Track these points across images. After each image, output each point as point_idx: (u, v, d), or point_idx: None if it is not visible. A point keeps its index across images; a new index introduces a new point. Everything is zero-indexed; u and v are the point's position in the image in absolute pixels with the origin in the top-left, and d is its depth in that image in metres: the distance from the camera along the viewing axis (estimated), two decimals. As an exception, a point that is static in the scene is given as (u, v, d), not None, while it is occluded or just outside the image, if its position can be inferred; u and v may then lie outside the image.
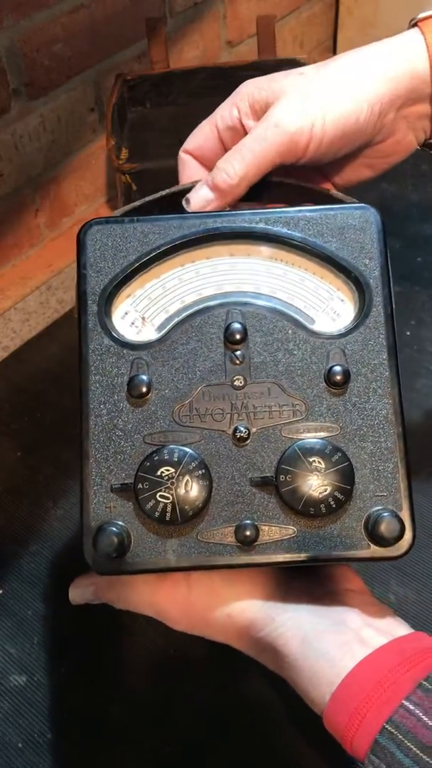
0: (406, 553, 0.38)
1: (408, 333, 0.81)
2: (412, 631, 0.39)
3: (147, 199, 0.45)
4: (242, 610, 0.39)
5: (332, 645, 0.37)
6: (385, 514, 0.37)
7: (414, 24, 0.44)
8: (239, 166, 0.42)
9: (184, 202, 0.44)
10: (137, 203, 0.45)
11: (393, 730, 0.33)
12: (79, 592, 0.44)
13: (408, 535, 0.38)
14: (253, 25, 1.01)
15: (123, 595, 0.42)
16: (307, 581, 0.41)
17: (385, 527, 0.37)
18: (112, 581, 0.43)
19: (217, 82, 0.89)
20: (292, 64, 0.90)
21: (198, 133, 0.47)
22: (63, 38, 0.79)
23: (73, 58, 0.81)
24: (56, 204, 0.87)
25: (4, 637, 0.59)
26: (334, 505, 0.37)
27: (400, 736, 0.33)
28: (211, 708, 0.55)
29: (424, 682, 0.34)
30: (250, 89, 0.44)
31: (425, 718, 0.33)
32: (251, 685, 0.55)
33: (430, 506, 0.65)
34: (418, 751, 0.33)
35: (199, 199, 0.43)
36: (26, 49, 0.75)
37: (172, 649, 0.58)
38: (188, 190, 0.45)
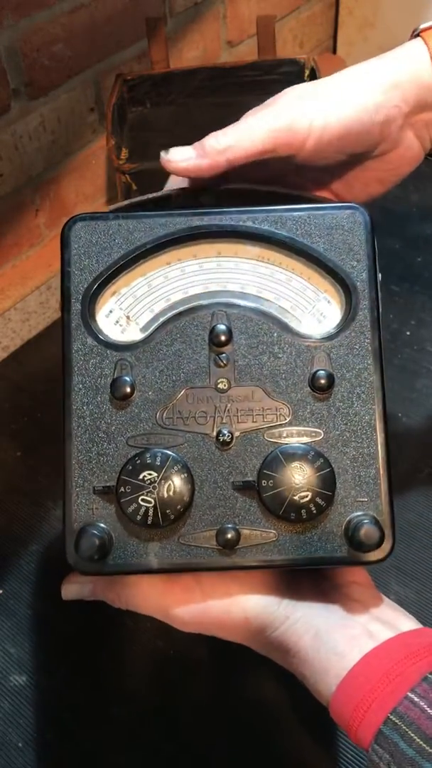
0: (386, 558, 0.38)
1: (408, 333, 0.81)
2: (417, 624, 0.39)
3: (133, 200, 0.44)
4: (259, 613, 0.39)
5: (342, 639, 0.38)
6: (366, 520, 0.37)
7: (417, 34, 0.43)
8: (231, 134, 0.41)
9: (162, 152, 0.42)
10: (124, 203, 0.44)
11: (397, 721, 0.34)
12: (75, 588, 0.44)
13: (387, 541, 0.38)
14: (253, 25, 1.01)
15: (125, 596, 0.42)
16: (314, 576, 0.42)
17: (365, 534, 0.37)
18: (113, 580, 0.43)
19: (217, 82, 0.89)
20: (292, 64, 0.90)
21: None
22: (63, 38, 0.79)
23: (73, 58, 0.81)
24: (56, 204, 0.87)
25: (4, 637, 0.59)
26: (314, 511, 0.38)
27: (404, 727, 0.33)
28: (211, 708, 0.55)
29: (430, 675, 0.35)
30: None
31: (429, 710, 0.34)
32: (251, 685, 0.55)
33: (430, 506, 0.65)
34: (421, 742, 0.33)
35: (180, 152, 0.42)
36: (26, 49, 0.75)
37: (172, 650, 0.58)
38: (170, 195, 0.44)
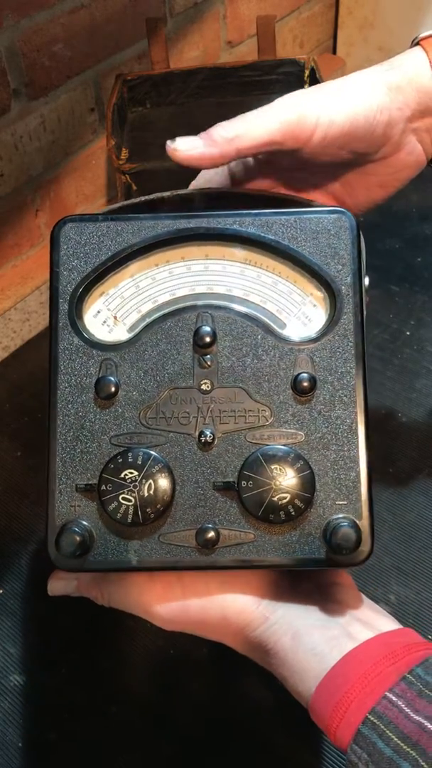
0: (364, 561, 0.39)
1: (408, 333, 0.81)
2: (398, 625, 0.39)
3: (129, 202, 0.44)
4: (238, 613, 0.40)
5: (321, 640, 0.38)
6: (344, 523, 0.38)
7: (416, 42, 0.45)
8: (240, 124, 0.41)
9: (169, 141, 0.41)
10: (116, 206, 0.45)
11: (375, 721, 0.34)
12: (61, 584, 0.44)
13: (365, 544, 0.38)
14: (253, 25, 1.02)
15: (107, 593, 0.42)
16: (295, 576, 0.42)
17: (342, 536, 0.37)
18: (96, 578, 0.43)
19: (217, 82, 0.89)
20: (292, 64, 0.90)
21: (207, 171, 0.46)
22: (63, 38, 0.79)
23: (73, 58, 0.81)
24: (56, 204, 0.87)
25: (4, 637, 0.59)
26: (293, 513, 0.38)
27: (382, 727, 0.34)
28: (211, 708, 0.55)
29: (408, 675, 0.35)
30: None
31: (407, 710, 0.34)
32: (251, 685, 0.55)
33: (430, 506, 0.65)
34: (399, 741, 0.33)
35: (186, 141, 0.41)
36: (26, 49, 0.75)
37: (172, 650, 0.58)
38: (162, 198, 0.44)
